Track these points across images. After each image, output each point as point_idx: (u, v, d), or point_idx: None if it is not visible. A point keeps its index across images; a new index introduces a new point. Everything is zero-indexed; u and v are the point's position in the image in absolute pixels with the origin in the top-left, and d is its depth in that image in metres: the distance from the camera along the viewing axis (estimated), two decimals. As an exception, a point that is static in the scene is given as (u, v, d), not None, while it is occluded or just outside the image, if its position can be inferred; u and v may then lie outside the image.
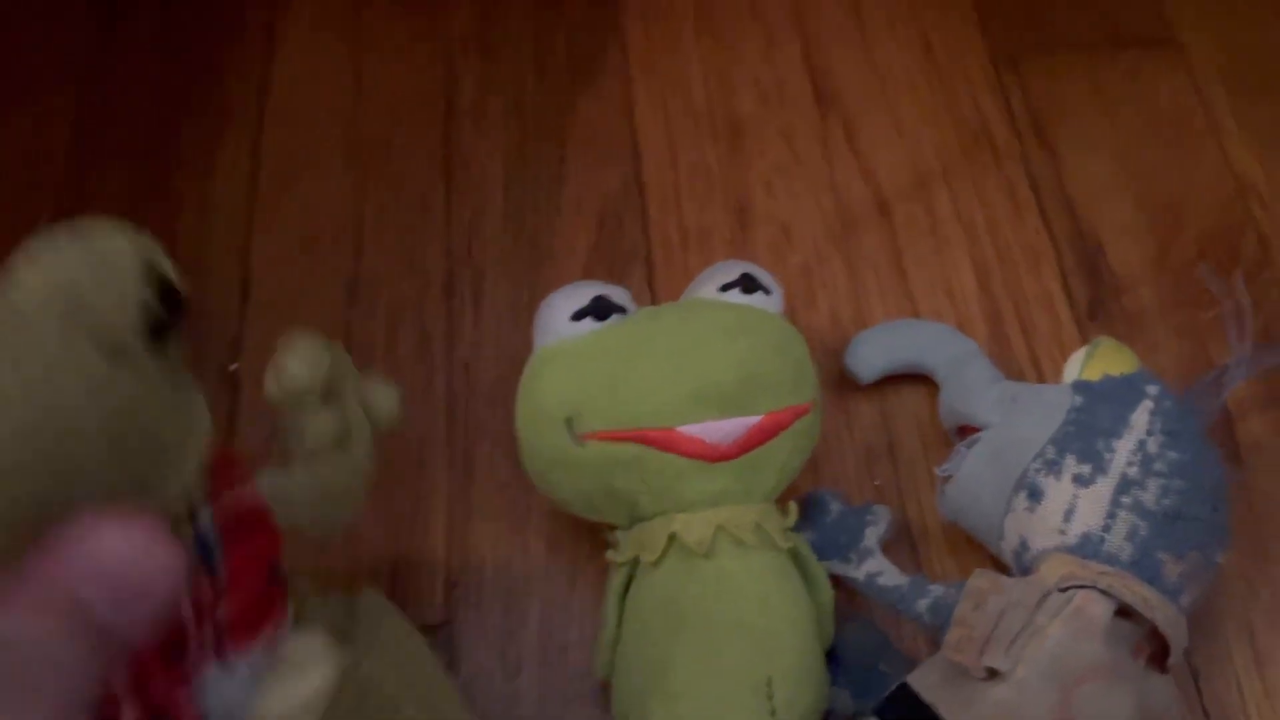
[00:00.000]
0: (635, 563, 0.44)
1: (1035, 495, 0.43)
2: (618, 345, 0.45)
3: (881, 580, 0.46)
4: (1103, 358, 0.46)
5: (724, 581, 0.43)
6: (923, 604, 0.45)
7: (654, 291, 0.58)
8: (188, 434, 0.32)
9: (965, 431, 0.48)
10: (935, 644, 0.42)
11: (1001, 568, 0.46)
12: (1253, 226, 0.59)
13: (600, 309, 0.46)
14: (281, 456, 0.40)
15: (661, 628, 0.43)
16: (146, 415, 0.31)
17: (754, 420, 0.44)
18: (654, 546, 0.43)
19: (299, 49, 0.67)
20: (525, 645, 0.49)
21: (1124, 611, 0.40)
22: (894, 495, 0.51)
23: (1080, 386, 0.45)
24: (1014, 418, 0.46)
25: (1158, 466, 0.42)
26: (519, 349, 0.48)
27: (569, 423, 0.44)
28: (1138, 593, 0.40)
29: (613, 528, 0.46)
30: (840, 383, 0.54)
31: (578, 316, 0.45)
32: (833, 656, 0.46)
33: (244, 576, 0.34)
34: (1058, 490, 0.43)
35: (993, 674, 0.39)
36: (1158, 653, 0.42)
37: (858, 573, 0.47)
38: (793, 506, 0.46)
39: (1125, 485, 0.42)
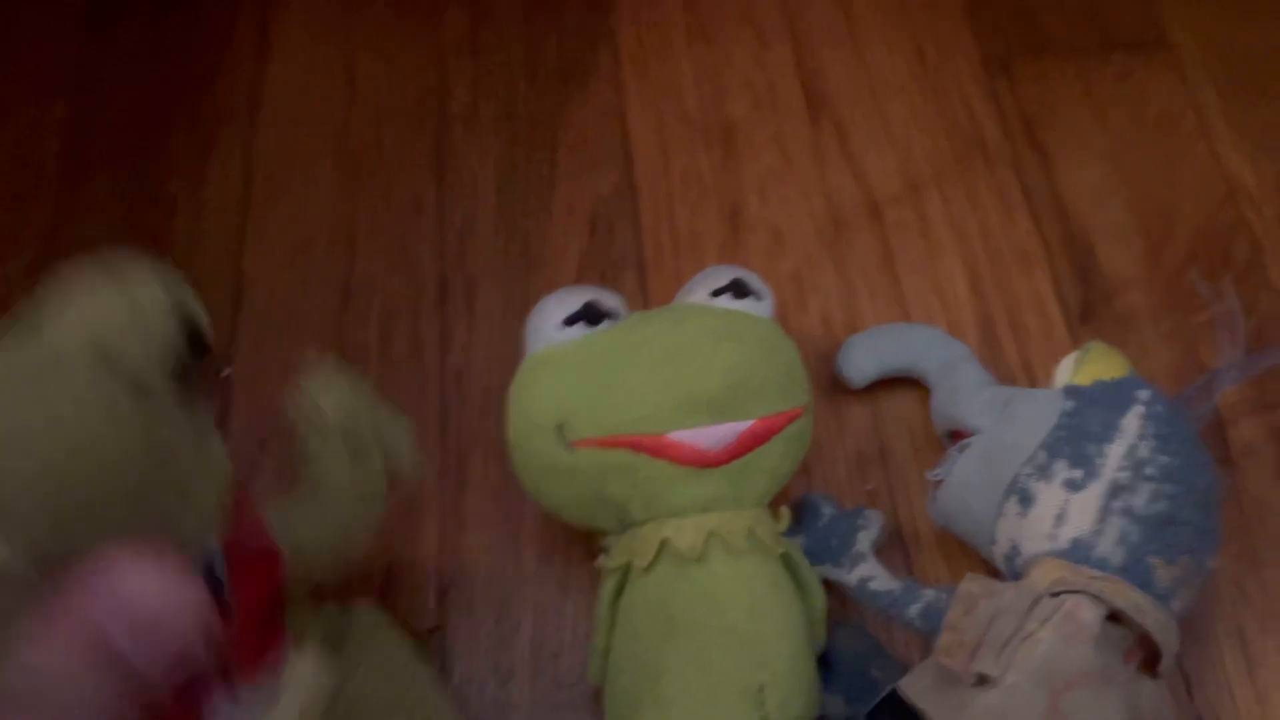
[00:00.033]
0: (627, 569, 0.44)
1: (1026, 500, 0.43)
2: (608, 352, 0.45)
3: (873, 585, 0.46)
4: (1094, 362, 0.46)
5: (715, 587, 0.43)
6: (914, 609, 0.45)
7: (646, 296, 0.58)
8: (208, 475, 0.34)
9: (957, 436, 0.48)
10: (928, 649, 0.42)
11: (993, 572, 0.46)
12: (1244, 229, 0.59)
13: (591, 314, 0.46)
14: (291, 480, 0.41)
15: (653, 634, 0.43)
16: (170, 455, 0.32)
17: (745, 426, 0.44)
18: (645, 552, 0.43)
19: (291, 55, 0.67)
20: (517, 652, 0.49)
21: (1115, 616, 0.40)
22: (886, 499, 0.51)
23: (1071, 391, 0.45)
24: (1005, 422, 0.46)
25: (1149, 471, 0.42)
26: (511, 354, 0.48)
27: (560, 430, 0.44)
28: (1129, 598, 0.40)
29: (605, 534, 0.46)
30: (832, 387, 0.54)
31: (569, 322, 0.45)
32: (825, 661, 0.46)
33: (251, 610, 0.35)
34: (1049, 495, 0.43)
35: (983, 679, 0.39)
36: (1149, 658, 0.42)
37: (849, 577, 0.47)
38: (785, 511, 0.46)
39: (1116, 490, 0.42)
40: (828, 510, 0.49)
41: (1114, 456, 0.42)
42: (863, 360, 0.53)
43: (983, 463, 0.45)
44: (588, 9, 0.67)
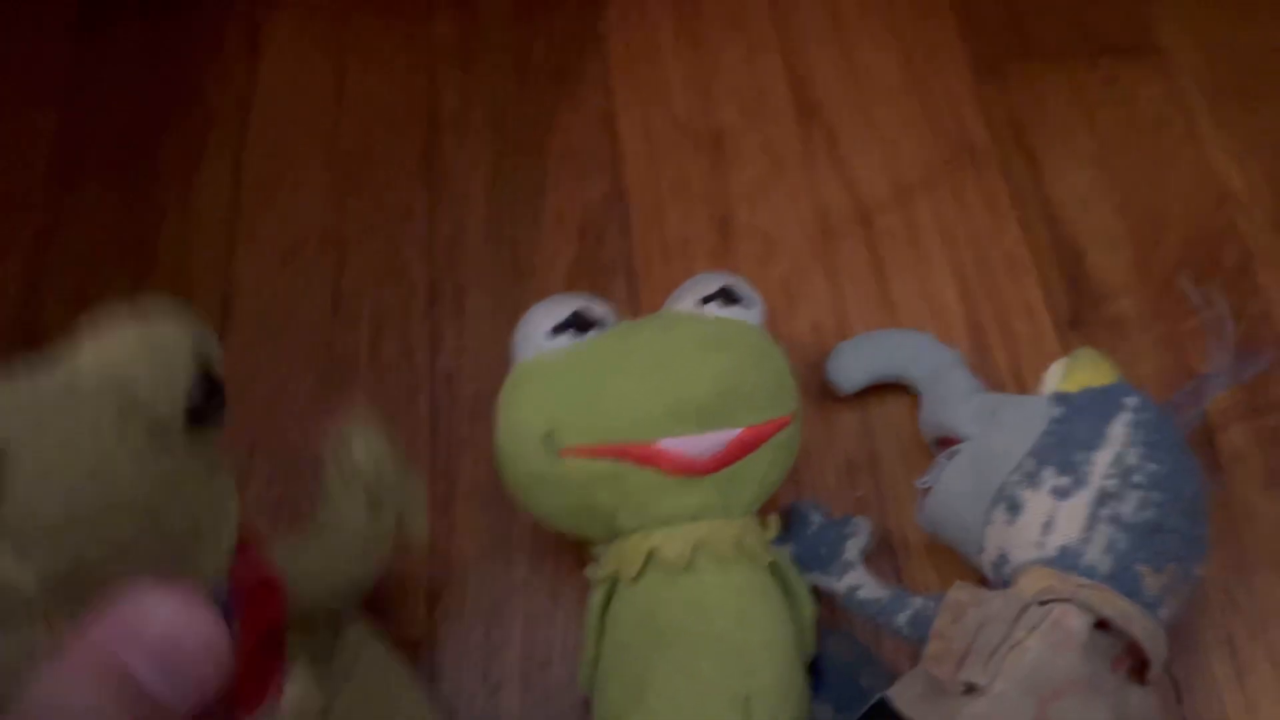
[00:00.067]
0: (615, 578, 0.44)
1: (1014, 508, 0.43)
2: (596, 360, 0.45)
3: (861, 593, 0.46)
4: (1082, 369, 0.46)
5: (703, 597, 0.43)
6: (902, 617, 0.45)
7: (636, 303, 0.58)
8: (222, 514, 0.35)
9: (945, 443, 0.48)
10: (917, 657, 0.42)
11: (983, 580, 0.46)
12: (1233, 233, 0.59)
13: (579, 323, 0.46)
14: (303, 521, 0.43)
15: (640, 644, 0.43)
16: (186, 495, 0.33)
17: (733, 434, 0.44)
18: (633, 562, 0.43)
19: (280, 61, 0.67)
20: (507, 661, 0.48)
21: (1103, 624, 0.40)
22: (875, 507, 0.51)
23: (1059, 398, 0.45)
24: (993, 429, 0.46)
25: (1136, 479, 0.42)
26: (501, 361, 0.47)
27: (547, 438, 0.44)
28: (1117, 606, 0.40)
29: (594, 543, 0.46)
30: (822, 394, 0.54)
31: (557, 331, 0.45)
32: (815, 669, 0.46)
33: (253, 647, 0.35)
34: (1036, 503, 0.43)
35: (971, 688, 0.39)
36: (1138, 665, 0.42)
37: (838, 585, 0.47)
38: (774, 519, 0.46)
39: (1104, 498, 0.42)
40: (816, 518, 0.49)
41: (1101, 464, 0.43)
42: (852, 367, 0.53)
43: (971, 470, 0.45)
44: (577, 14, 0.67)
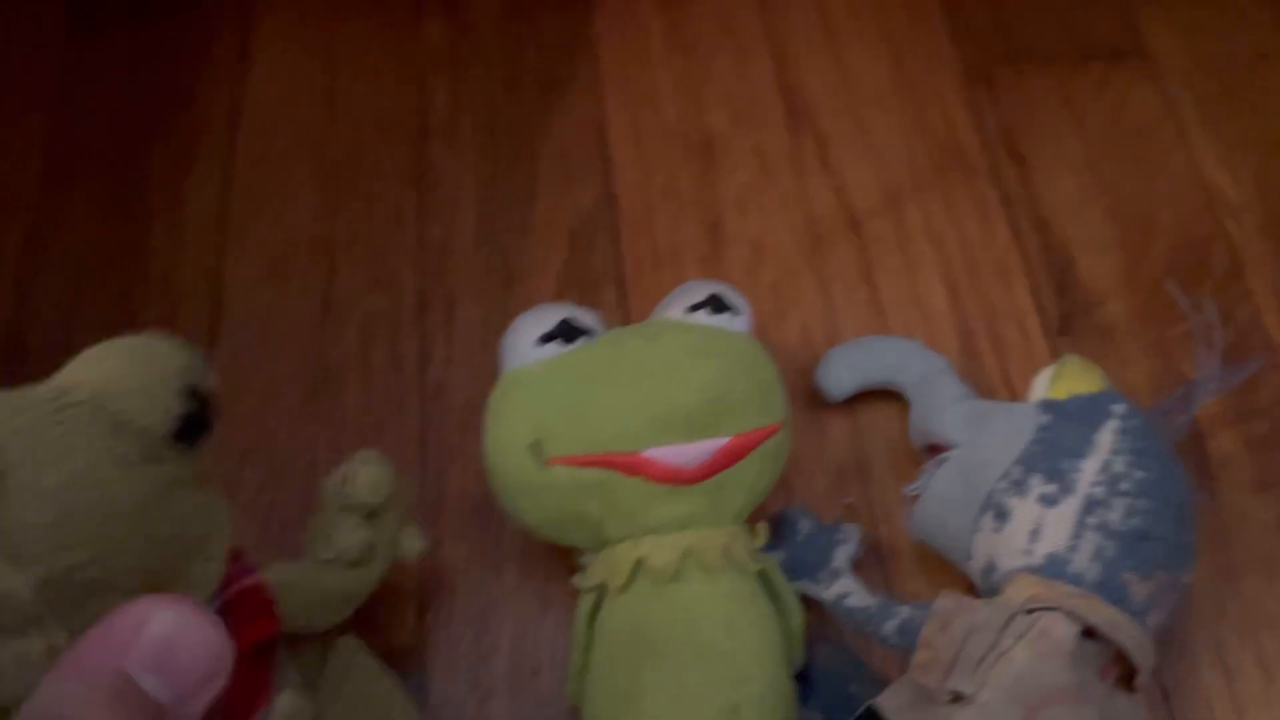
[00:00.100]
0: (603, 587, 0.44)
1: (1002, 515, 0.43)
2: (583, 369, 0.44)
3: (849, 601, 0.46)
4: (1070, 376, 0.46)
5: (691, 606, 0.43)
6: (890, 625, 0.45)
7: (626, 310, 0.58)
8: (214, 530, 0.36)
9: (935, 450, 0.48)
10: (906, 665, 0.42)
11: (972, 588, 0.46)
12: (1223, 238, 0.59)
13: (567, 332, 0.45)
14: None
15: (628, 653, 0.43)
16: (177, 506, 0.34)
17: (721, 442, 0.44)
18: (620, 571, 0.43)
19: (271, 68, 0.67)
20: (496, 670, 0.48)
21: (1091, 632, 0.40)
22: (865, 514, 0.51)
23: (1047, 405, 0.45)
24: (981, 437, 0.46)
25: (1123, 486, 0.42)
26: (491, 369, 0.47)
27: (535, 448, 0.43)
28: (1104, 614, 0.40)
29: (582, 552, 0.46)
30: (811, 400, 0.54)
31: (544, 340, 0.45)
32: (804, 677, 0.46)
33: (244, 658, 0.35)
34: (1024, 510, 0.43)
35: (958, 696, 0.39)
36: (1126, 673, 0.42)
37: (827, 593, 0.47)
38: (762, 527, 0.46)
39: (1091, 505, 0.42)
40: (805, 525, 0.49)
41: (1088, 471, 0.43)
42: (841, 374, 0.53)
43: (959, 478, 0.45)
44: (566, 20, 0.67)
